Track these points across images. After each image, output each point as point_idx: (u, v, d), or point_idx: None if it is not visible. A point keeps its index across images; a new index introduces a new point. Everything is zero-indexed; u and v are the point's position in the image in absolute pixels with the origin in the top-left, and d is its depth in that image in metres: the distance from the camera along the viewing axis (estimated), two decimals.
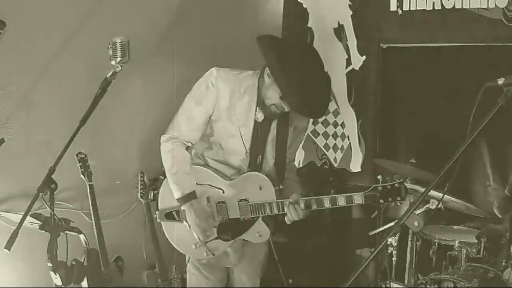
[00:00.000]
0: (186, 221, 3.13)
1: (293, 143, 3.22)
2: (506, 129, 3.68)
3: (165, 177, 3.17)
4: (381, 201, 2.89)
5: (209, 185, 3.11)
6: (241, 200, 3.09)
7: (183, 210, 3.12)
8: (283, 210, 3.01)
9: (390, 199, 2.88)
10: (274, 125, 3.10)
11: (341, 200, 2.94)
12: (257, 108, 3.01)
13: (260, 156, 3.12)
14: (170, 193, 3.11)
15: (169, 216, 3.20)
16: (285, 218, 3.02)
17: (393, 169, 3.92)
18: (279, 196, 3.05)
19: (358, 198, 2.91)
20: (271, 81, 2.93)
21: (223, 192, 3.10)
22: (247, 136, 3.06)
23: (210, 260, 3.26)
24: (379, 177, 3.73)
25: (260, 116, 3.02)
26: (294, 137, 3.18)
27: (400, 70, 4.55)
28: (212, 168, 3.13)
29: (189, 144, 3.12)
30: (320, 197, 2.97)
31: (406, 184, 3.64)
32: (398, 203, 2.91)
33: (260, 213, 3.07)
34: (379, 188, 2.88)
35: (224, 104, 3.01)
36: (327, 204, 2.96)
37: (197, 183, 3.10)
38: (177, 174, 3.07)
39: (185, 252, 3.29)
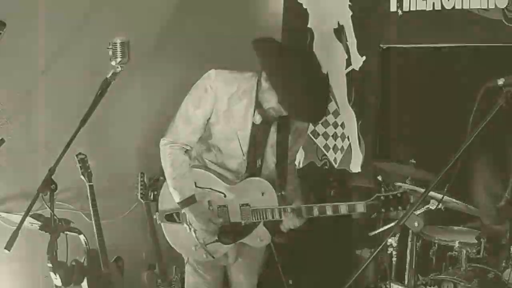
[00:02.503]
0: (186, 223, 3.12)
1: (294, 145, 3.20)
2: (506, 129, 3.68)
3: (164, 178, 3.17)
4: (383, 210, 2.88)
5: (211, 189, 3.10)
6: (242, 205, 3.08)
7: (183, 212, 3.12)
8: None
9: (391, 208, 2.87)
10: (273, 128, 3.07)
11: (343, 209, 2.93)
12: (255, 111, 2.99)
13: (259, 160, 3.11)
14: (170, 195, 3.10)
15: (169, 217, 3.20)
16: (280, 226, 3.02)
17: (393, 170, 3.92)
18: (281, 202, 3.05)
19: (360, 207, 2.90)
20: (268, 85, 2.90)
21: (225, 196, 3.09)
22: (245, 139, 3.04)
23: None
24: (379, 177, 3.74)
25: (258, 119, 2.99)
26: (294, 139, 3.16)
27: (400, 70, 4.55)
28: (213, 171, 3.12)
29: (188, 148, 3.10)
30: (323, 204, 2.97)
31: (406, 184, 3.66)
32: (399, 213, 2.91)
33: (262, 218, 3.06)
34: (382, 197, 2.87)
35: (222, 107, 2.99)
36: (329, 212, 2.95)
37: (198, 186, 3.09)
38: (176, 178, 3.06)
39: (185, 253, 3.29)
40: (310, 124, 4.75)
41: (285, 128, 3.09)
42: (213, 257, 3.17)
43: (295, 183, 3.24)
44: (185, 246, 3.21)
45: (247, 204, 3.07)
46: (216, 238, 3.10)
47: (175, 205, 3.11)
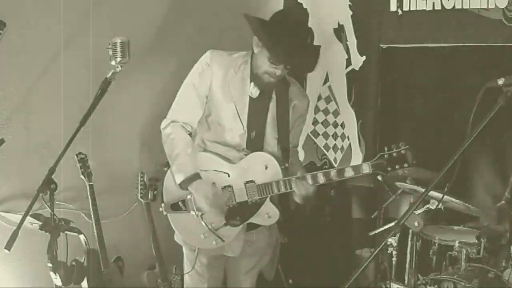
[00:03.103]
0: (194, 210, 3.10)
1: (295, 125, 3.22)
2: (506, 129, 3.68)
3: (168, 168, 3.16)
4: (389, 168, 2.88)
5: (214, 170, 3.10)
6: (247, 182, 3.07)
7: (189, 199, 3.10)
8: (291, 188, 3.00)
9: (397, 166, 2.88)
10: (273, 104, 3.12)
11: (349, 172, 2.94)
12: (251, 83, 3.04)
13: (260, 134, 3.13)
14: (174, 185, 3.10)
15: (175, 207, 3.17)
16: (295, 197, 3.02)
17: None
18: (286, 175, 3.04)
19: (365, 168, 2.91)
20: (260, 48, 2.99)
21: (229, 176, 3.09)
22: (244, 112, 3.08)
23: (210, 256, 3.25)
24: (379, 177, 3.73)
25: (255, 92, 3.04)
26: (294, 117, 3.19)
27: (400, 70, 4.55)
28: (214, 153, 3.12)
29: (189, 128, 3.13)
30: (328, 170, 2.98)
31: (406, 184, 3.67)
32: (405, 171, 2.89)
33: (268, 193, 3.05)
34: (385, 156, 2.89)
35: (219, 82, 3.07)
36: (334, 177, 2.96)
37: (201, 170, 3.08)
38: (178, 156, 3.07)
39: (194, 243, 3.24)
40: (310, 124, 4.80)
41: (284, 104, 3.12)
42: (223, 241, 3.13)
43: (297, 161, 3.27)
44: (194, 236, 3.18)
45: (252, 181, 3.06)
46: (224, 222, 3.08)
47: (179, 194, 3.11)
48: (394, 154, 2.87)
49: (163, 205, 3.21)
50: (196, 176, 3.04)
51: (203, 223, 3.08)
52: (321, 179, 2.97)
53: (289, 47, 2.91)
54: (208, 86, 3.08)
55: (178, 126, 3.10)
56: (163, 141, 3.13)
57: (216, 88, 3.07)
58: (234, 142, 3.11)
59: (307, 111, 3.33)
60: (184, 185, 3.05)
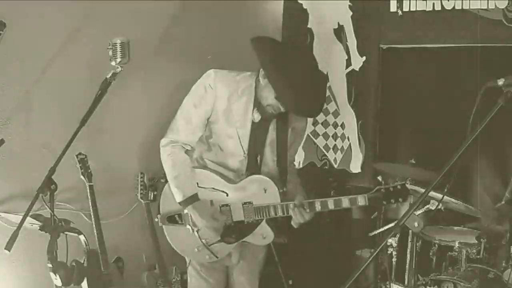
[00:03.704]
0: (189, 224, 3.12)
1: (293, 144, 3.22)
2: (506, 129, 3.68)
3: (165, 180, 3.16)
4: (384, 202, 2.93)
5: (213, 188, 3.10)
6: (245, 203, 3.09)
7: (186, 213, 3.11)
8: (288, 213, 3.02)
9: (392, 200, 2.93)
10: (272, 126, 3.10)
11: (345, 202, 2.97)
12: (254, 109, 3.02)
13: (259, 158, 3.13)
14: (171, 197, 3.10)
15: (171, 219, 3.19)
16: (292, 222, 3.03)
17: (393, 171, 3.92)
18: (284, 199, 3.06)
19: (361, 200, 2.94)
20: (266, 81, 2.95)
21: (227, 195, 3.10)
22: (245, 137, 3.06)
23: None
24: (379, 177, 3.74)
25: (257, 117, 3.02)
26: (293, 138, 3.18)
27: (400, 70, 4.55)
28: (214, 171, 3.12)
29: (188, 147, 3.12)
30: (325, 199, 2.99)
31: (406, 184, 3.66)
32: (400, 204, 2.95)
33: (265, 215, 3.07)
34: (382, 190, 2.92)
35: (222, 106, 3.02)
36: (331, 206, 2.98)
37: (200, 186, 3.09)
38: (178, 177, 3.07)
39: (187, 255, 3.29)
40: (310, 125, 4.80)
41: (284, 126, 3.11)
42: (217, 257, 3.17)
43: (296, 182, 3.25)
44: (187, 248, 3.21)
45: (249, 202, 3.08)
46: (219, 237, 3.10)
47: (176, 207, 3.11)
48: (391, 189, 2.92)
49: (159, 216, 3.21)
50: (194, 198, 3.06)
51: (198, 238, 3.11)
52: (318, 207, 2.99)
53: (297, 92, 2.86)
54: (210, 108, 3.03)
55: (178, 146, 3.08)
56: (162, 160, 3.11)
57: (219, 111, 3.03)
58: (234, 167, 3.11)
59: (305, 130, 3.36)
60: (183, 205, 3.07)
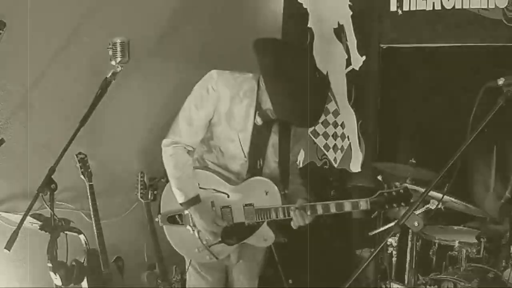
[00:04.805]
0: (190, 225, 3.12)
1: (295, 145, 3.20)
2: (506, 129, 3.68)
3: (166, 179, 3.16)
4: (386, 206, 2.91)
5: (214, 189, 3.10)
6: (246, 205, 3.08)
7: (186, 214, 3.11)
8: (289, 215, 3.01)
9: (395, 204, 2.90)
10: (274, 129, 3.08)
11: (347, 206, 2.95)
12: (256, 112, 3.00)
13: (260, 161, 3.11)
14: (172, 197, 3.10)
15: (172, 220, 3.19)
16: (291, 224, 3.01)
17: (393, 171, 3.92)
18: (285, 201, 3.05)
19: (363, 204, 2.92)
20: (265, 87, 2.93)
21: (228, 197, 3.09)
22: (246, 141, 3.04)
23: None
24: (379, 177, 3.74)
25: (259, 120, 3.00)
26: (296, 140, 3.16)
27: (400, 70, 4.55)
28: (215, 171, 3.12)
29: (190, 148, 3.10)
30: (326, 202, 2.98)
31: (406, 184, 3.66)
32: (402, 209, 2.93)
33: (266, 217, 3.06)
34: (385, 194, 2.90)
35: (224, 108, 3.00)
36: (333, 210, 2.96)
37: (201, 187, 3.09)
38: (180, 178, 3.06)
39: (188, 256, 3.29)
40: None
41: (286, 129, 3.09)
42: (217, 258, 3.17)
43: (298, 182, 3.24)
44: (188, 248, 3.21)
45: (250, 204, 3.07)
46: (220, 239, 3.10)
47: (177, 207, 3.11)
48: (393, 193, 2.89)
49: (159, 216, 3.21)
50: (196, 199, 3.05)
51: (198, 239, 3.11)
52: (320, 210, 2.97)
53: (296, 107, 2.83)
54: (212, 110, 3.01)
55: (180, 148, 3.07)
56: (164, 161, 3.10)
57: (221, 113, 3.01)
58: (235, 170, 3.10)
59: (308, 133, 3.32)
60: (185, 206, 3.07)
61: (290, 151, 3.13)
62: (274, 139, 3.09)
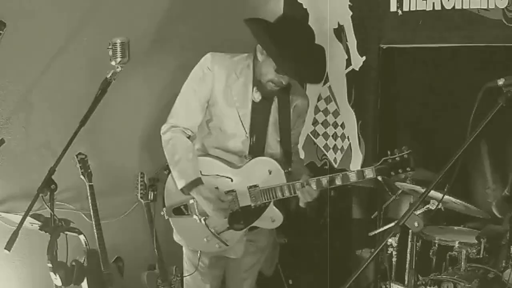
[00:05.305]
0: (196, 214, 3.10)
1: (296, 124, 3.21)
2: (506, 129, 3.68)
3: (168, 171, 3.14)
4: (392, 173, 2.89)
5: (217, 175, 3.08)
6: (251, 187, 3.06)
7: (192, 203, 3.10)
8: (295, 193, 2.99)
9: (400, 170, 2.88)
10: (274, 106, 3.10)
11: (353, 176, 2.94)
12: (254, 88, 3.02)
13: (262, 138, 3.11)
14: (175, 189, 3.08)
15: (177, 211, 3.16)
16: (300, 203, 3.00)
17: None
18: (289, 179, 3.03)
19: (369, 173, 2.91)
20: (264, 57, 2.96)
21: (232, 181, 3.08)
22: (246, 117, 3.06)
23: (212, 257, 3.24)
24: (379, 177, 3.74)
25: (258, 97, 3.03)
26: (296, 117, 3.18)
27: (400, 70, 4.55)
28: (217, 157, 3.10)
29: (189, 132, 3.10)
30: (332, 175, 2.96)
31: (406, 184, 3.67)
32: (408, 174, 2.90)
33: (272, 197, 3.04)
34: (389, 160, 2.88)
35: (221, 87, 3.03)
36: (338, 182, 2.95)
37: (204, 174, 3.07)
38: (180, 162, 3.04)
39: (197, 247, 3.23)
40: (309, 124, 4.80)
41: (286, 105, 3.10)
42: (227, 245, 3.13)
43: (300, 161, 3.26)
44: (197, 239, 3.17)
45: (255, 186, 3.06)
46: (228, 225, 3.08)
47: (181, 198, 3.09)
48: (397, 159, 2.87)
49: (164, 209, 3.18)
50: (198, 181, 3.02)
51: (207, 227, 3.07)
52: (325, 184, 2.96)
53: (297, 59, 2.87)
54: (209, 90, 3.04)
55: (178, 131, 3.07)
56: (164, 146, 3.10)
57: (217, 93, 3.04)
58: (236, 149, 3.09)
59: (306, 112, 3.33)
60: (186, 190, 3.03)
61: (291, 128, 3.13)
62: (274, 116, 3.11)
